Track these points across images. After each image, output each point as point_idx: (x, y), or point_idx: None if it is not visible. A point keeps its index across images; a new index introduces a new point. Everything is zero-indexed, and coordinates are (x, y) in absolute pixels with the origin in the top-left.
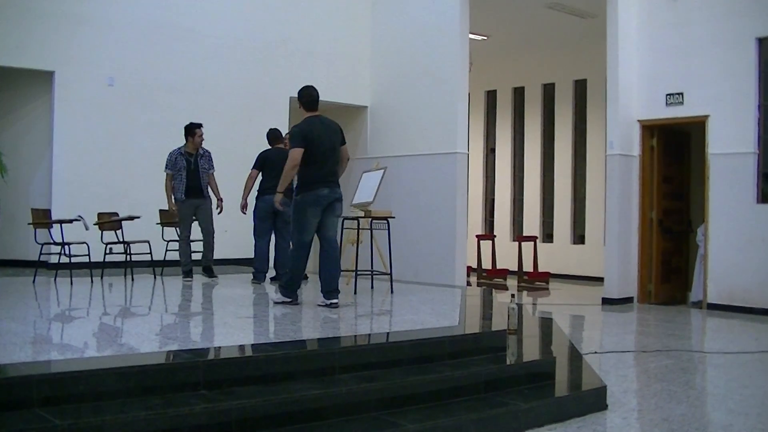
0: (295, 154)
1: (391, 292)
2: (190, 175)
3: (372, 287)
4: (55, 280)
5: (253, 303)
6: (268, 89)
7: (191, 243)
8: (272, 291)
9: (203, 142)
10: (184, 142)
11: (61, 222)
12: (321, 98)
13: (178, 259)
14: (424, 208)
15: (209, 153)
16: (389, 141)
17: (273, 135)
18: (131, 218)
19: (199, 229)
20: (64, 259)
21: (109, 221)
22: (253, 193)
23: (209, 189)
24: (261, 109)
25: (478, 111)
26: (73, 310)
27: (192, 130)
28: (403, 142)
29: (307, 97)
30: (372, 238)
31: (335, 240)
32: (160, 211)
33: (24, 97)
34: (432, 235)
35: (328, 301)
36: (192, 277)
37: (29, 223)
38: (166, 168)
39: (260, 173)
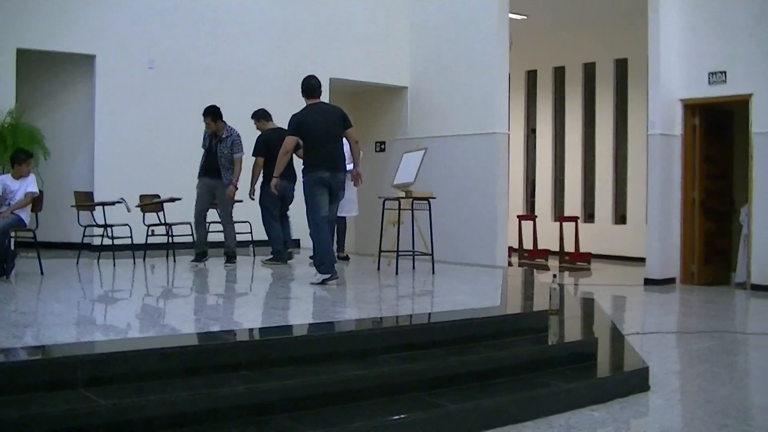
0: (288, 142)
1: (433, 272)
2: (209, 156)
3: (413, 268)
4: (98, 261)
5: (292, 283)
6: (308, 72)
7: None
8: (300, 270)
9: (225, 127)
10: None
11: (103, 204)
12: (361, 79)
13: (220, 241)
14: (464, 189)
15: (233, 137)
16: (429, 121)
17: (310, 87)
18: (172, 200)
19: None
20: (107, 241)
21: (150, 203)
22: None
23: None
24: (299, 92)
25: (519, 91)
26: (116, 291)
27: (219, 111)
28: (443, 122)
29: (305, 85)
30: (413, 218)
31: (332, 222)
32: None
33: (65, 81)
34: (473, 216)
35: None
36: (201, 261)
37: (72, 206)
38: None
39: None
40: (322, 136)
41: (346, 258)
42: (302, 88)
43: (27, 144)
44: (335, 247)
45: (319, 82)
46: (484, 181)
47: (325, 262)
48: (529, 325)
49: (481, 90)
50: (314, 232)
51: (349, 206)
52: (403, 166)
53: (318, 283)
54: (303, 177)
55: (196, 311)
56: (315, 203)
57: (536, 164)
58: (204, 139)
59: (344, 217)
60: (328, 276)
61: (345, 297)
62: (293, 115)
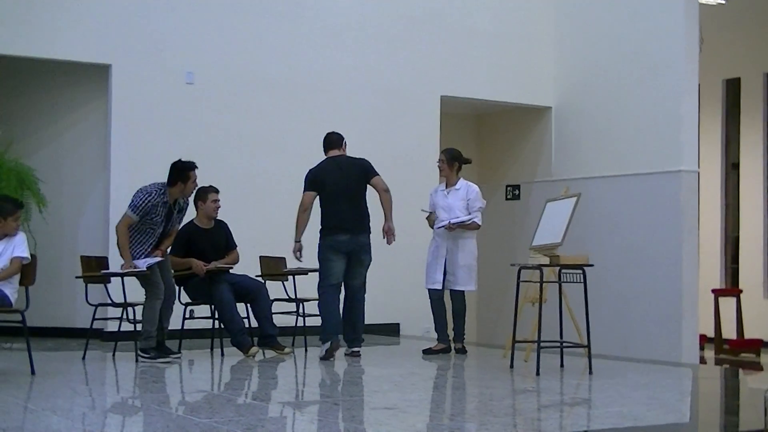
0: (304, 198)
1: (590, 372)
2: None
3: (561, 365)
4: (113, 355)
5: (386, 385)
6: (410, 83)
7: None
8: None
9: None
10: (168, 184)
11: (122, 275)
12: (484, 97)
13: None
14: (634, 252)
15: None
16: (582, 156)
17: (328, 141)
18: (221, 270)
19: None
20: (127, 327)
21: (188, 271)
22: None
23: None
24: (401, 111)
25: (713, 109)
26: (139, 398)
27: (186, 172)
28: (602, 157)
29: (324, 139)
30: (561, 294)
31: (360, 289)
32: (261, 258)
33: (69, 101)
34: (647, 291)
35: (351, 349)
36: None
37: (78, 277)
38: (135, 212)
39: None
40: (340, 194)
41: (463, 350)
42: (323, 143)
43: (14, 190)
44: (451, 335)
45: (340, 136)
46: (662, 241)
47: (327, 329)
48: None
49: (657, 110)
50: (321, 297)
51: (467, 276)
52: (547, 220)
53: (323, 357)
54: (319, 240)
55: (252, 425)
56: (325, 269)
57: (740, 215)
58: (152, 207)
59: (462, 293)
60: (329, 344)
61: (464, 407)
62: (309, 170)
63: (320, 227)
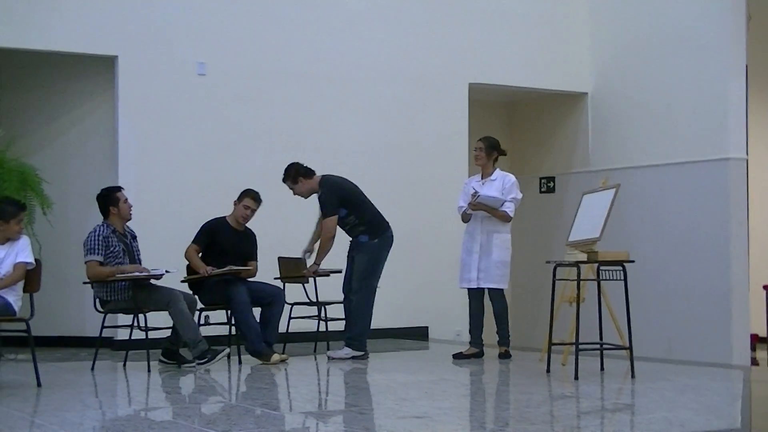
0: (332, 222)
1: (632, 376)
2: (130, 261)
3: (602, 369)
4: (124, 365)
5: (415, 393)
6: (436, 70)
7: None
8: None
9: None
10: (106, 215)
11: (135, 280)
12: (516, 84)
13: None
14: (678, 246)
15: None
16: (620, 144)
17: (304, 168)
18: (238, 271)
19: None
20: (139, 335)
21: (204, 276)
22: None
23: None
24: (427, 101)
25: (763, 92)
26: (153, 410)
27: (112, 195)
28: (642, 145)
29: (301, 169)
30: (600, 293)
31: None
32: (280, 259)
33: (73, 96)
34: (693, 288)
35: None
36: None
37: (85, 282)
38: (92, 253)
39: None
40: (364, 196)
41: (507, 355)
42: (298, 173)
43: (16, 191)
44: (496, 339)
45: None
46: (709, 234)
47: (365, 335)
48: None
49: (702, 93)
50: (367, 301)
51: (501, 273)
52: (584, 213)
53: (346, 358)
54: (371, 239)
55: None
56: (378, 270)
57: None
58: (109, 239)
59: (501, 292)
60: (362, 354)
61: (499, 414)
62: (326, 188)
63: (362, 229)
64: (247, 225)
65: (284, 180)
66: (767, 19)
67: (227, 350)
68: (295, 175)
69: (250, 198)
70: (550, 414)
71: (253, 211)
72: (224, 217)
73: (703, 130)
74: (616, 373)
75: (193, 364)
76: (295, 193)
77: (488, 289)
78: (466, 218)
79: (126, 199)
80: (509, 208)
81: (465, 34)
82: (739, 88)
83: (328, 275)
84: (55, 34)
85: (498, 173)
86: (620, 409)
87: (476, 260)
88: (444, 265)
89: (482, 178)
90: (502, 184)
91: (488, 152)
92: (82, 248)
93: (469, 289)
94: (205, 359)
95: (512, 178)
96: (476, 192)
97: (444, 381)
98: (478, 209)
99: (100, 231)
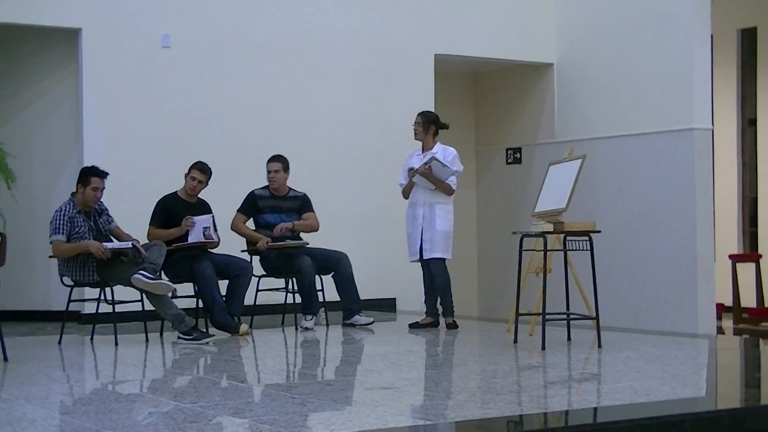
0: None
1: (599, 345)
2: (99, 238)
3: (569, 339)
4: (91, 339)
5: (382, 364)
6: (401, 42)
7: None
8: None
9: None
10: (79, 189)
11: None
12: (481, 54)
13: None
14: (644, 217)
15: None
16: (586, 115)
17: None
18: (203, 244)
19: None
20: (106, 308)
21: (182, 246)
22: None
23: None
24: (393, 72)
25: (727, 62)
26: (120, 383)
27: (88, 176)
28: (608, 116)
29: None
30: (567, 263)
31: None
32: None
33: (35, 69)
34: (659, 258)
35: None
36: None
37: (51, 256)
38: (57, 233)
39: None
40: None
41: (454, 325)
42: (288, 167)
43: None
44: (440, 310)
45: None
46: (675, 204)
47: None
48: (755, 427)
49: (668, 64)
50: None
51: (444, 243)
52: (550, 184)
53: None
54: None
55: (240, 409)
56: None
57: (758, 174)
58: (74, 220)
59: (443, 262)
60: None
61: (465, 384)
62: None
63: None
64: (200, 196)
65: (276, 160)
66: None
67: (214, 337)
68: (287, 167)
69: (196, 169)
70: (517, 384)
71: (200, 182)
72: (175, 192)
73: (668, 100)
74: (583, 343)
75: (213, 337)
76: (273, 179)
77: (431, 260)
78: (406, 194)
79: (97, 188)
80: (452, 182)
81: (431, 6)
82: (704, 59)
83: (298, 247)
84: (18, 7)
85: (438, 146)
86: (587, 379)
87: (420, 232)
88: None
89: (422, 152)
90: (443, 157)
91: (425, 127)
92: (48, 226)
93: (418, 262)
94: (190, 336)
95: (453, 150)
96: (431, 159)
97: (411, 352)
98: (427, 177)
99: (65, 210)
